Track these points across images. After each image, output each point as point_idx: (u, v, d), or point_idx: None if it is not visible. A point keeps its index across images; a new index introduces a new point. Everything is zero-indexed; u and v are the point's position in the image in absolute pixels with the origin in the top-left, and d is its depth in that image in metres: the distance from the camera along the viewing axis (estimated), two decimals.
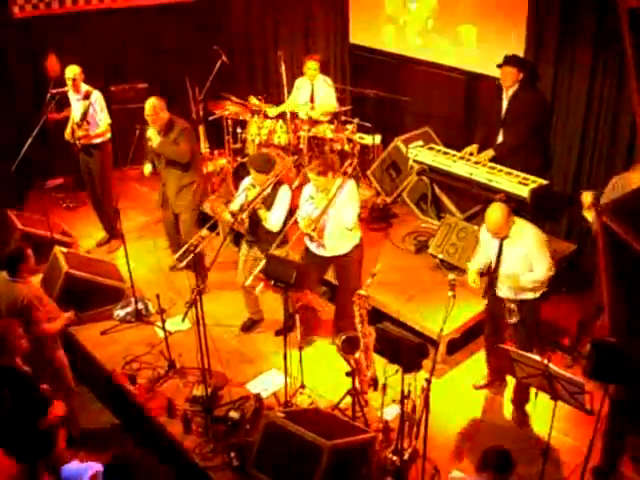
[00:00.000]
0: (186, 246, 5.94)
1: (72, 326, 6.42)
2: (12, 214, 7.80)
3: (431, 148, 7.39)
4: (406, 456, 5.17)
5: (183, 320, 5.68)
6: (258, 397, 5.81)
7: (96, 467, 4.14)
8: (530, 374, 4.73)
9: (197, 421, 5.66)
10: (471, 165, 6.90)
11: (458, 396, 6.04)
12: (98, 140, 7.73)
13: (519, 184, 6.51)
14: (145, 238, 8.24)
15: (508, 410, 5.87)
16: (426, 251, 7.17)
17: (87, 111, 7.55)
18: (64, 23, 9.20)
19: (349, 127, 8.34)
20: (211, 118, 8.85)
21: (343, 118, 8.54)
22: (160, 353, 6.41)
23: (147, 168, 7.14)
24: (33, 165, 7.80)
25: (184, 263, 5.89)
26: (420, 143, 7.49)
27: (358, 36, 9.00)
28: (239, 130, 8.85)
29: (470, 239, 6.80)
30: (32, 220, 7.86)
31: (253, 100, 8.61)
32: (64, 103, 7.87)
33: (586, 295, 6.40)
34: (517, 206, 6.50)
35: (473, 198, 7.17)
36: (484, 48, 7.74)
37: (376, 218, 7.98)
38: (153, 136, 6.85)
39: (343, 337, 5.56)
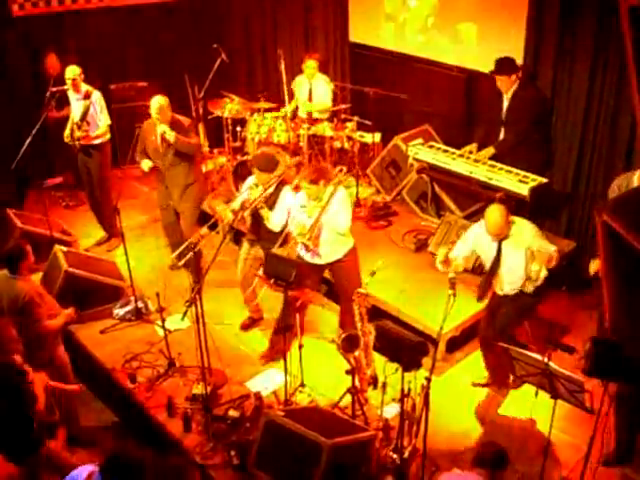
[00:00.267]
0: (185, 244, 5.94)
1: (72, 324, 6.43)
2: (11, 213, 7.79)
3: (431, 146, 7.39)
4: (406, 454, 5.17)
5: (183, 318, 5.67)
6: (258, 395, 5.81)
7: (90, 467, 4.14)
8: (530, 372, 4.72)
9: (197, 420, 5.65)
10: (471, 163, 6.90)
11: (458, 394, 6.04)
12: (97, 141, 7.72)
13: (519, 182, 6.51)
14: (145, 237, 8.24)
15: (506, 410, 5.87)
16: (426, 249, 7.17)
17: (87, 111, 7.53)
18: (64, 21, 9.21)
19: (349, 125, 8.33)
20: (211, 117, 8.85)
21: (343, 116, 8.54)
22: (160, 352, 6.40)
23: (146, 164, 7.08)
24: (32, 164, 7.79)
25: (182, 262, 5.91)
26: (420, 141, 7.49)
27: (358, 34, 9.00)
28: (239, 128, 8.85)
29: None
30: (32, 219, 7.85)
31: (261, 104, 8.60)
32: (64, 102, 7.85)
33: (585, 295, 6.42)
34: (516, 204, 6.55)
35: (473, 196, 7.17)
36: (484, 46, 7.73)
37: (376, 216, 7.98)
38: (167, 130, 6.80)
39: (343, 335, 5.56)
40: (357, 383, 5.56)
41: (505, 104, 6.97)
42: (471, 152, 7.08)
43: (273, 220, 6.09)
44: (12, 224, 7.60)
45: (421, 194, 7.92)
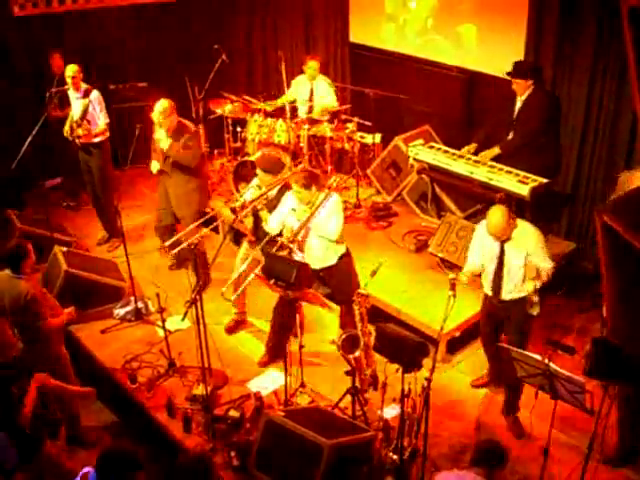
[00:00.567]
0: (178, 235, 5.99)
1: (72, 323, 6.44)
2: (12, 213, 7.79)
3: (431, 147, 7.39)
4: (406, 455, 5.17)
5: (183, 319, 5.67)
6: (258, 396, 5.81)
7: (85, 469, 4.15)
8: (530, 373, 4.72)
9: (197, 420, 5.65)
10: (471, 164, 6.90)
11: (458, 395, 6.04)
12: (97, 139, 7.72)
13: (519, 183, 6.51)
14: (145, 237, 8.24)
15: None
16: (426, 250, 7.17)
17: (86, 109, 7.54)
18: (64, 21, 9.21)
19: (349, 126, 8.33)
20: (212, 117, 8.85)
21: (343, 117, 8.54)
22: (160, 352, 6.41)
23: (155, 165, 7.07)
24: (33, 164, 7.79)
25: (175, 250, 5.96)
26: (420, 142, 7.49)
27: (358, 35, 9.00)
28: (239, 129, 8.84)
29: (470, 238, 6.77)
30: (32, 219, 7.85)
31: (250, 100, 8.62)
32: (65, 102, 7.85)
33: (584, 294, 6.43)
34: (517, 205, 6.55)
35: (473, 197, 7.17)
36: (484, 47, 7.74)
37: (376, 217, 7.98)
38: (162, 138, 6.79)
39: (343, 336, 5.56)
40: (357, 384, 5.56)
41: (518, 106, 6.97)
42: (469, 152, 7.08)
43: (271, 223, 6.09)
44: (13, 224, 7.60)
45: (421, 195, 7.92)
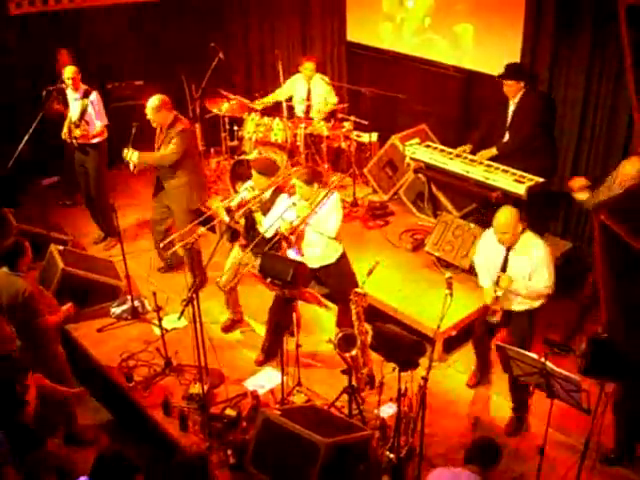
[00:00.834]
0: (173, 236, 6.03)
1: (69, 322, 6.45)
2: (8, 212, 7.77)
3: (428, 146, 7.39)
4: (403, 454, 5.17)
5: (179, 318, 5.67)
6: (255, 395, 5.81)
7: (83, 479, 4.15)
8: (527, 372, 4.73)
9: (194, 419, 5.65)
10: (468, 163, 6.90)
11: (455, 394, 6.04)
12: (95, 140, 7.71)
13: (515, 182, 6.51)
14: (142, 236, 8.23)
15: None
16: (423, 249, 7.18)
17: (85, 110, 7.53)
18: (61, 20, 9.19)
19: (346, 125, 8.33)
20: (208, 115, 8.85)
21: (340, 116, 8.54)
22: (156, 351, 6.40)
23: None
24: (29, 163, 7.77)
25: (168, 252, 6.08)
26: (417, 141, 7.49)
27: (355, 34, 9.00)
28: (236, 128, 8.84)
29: (466, 237, 6.81)
30: (28, 218, 7.83)
31: (259, 104, 8.64)
32: (63, 103, 7.84)
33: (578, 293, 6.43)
34: (514, 204, 6.55)
35: (470, 196, 7.18)
36: (481, 47, 7.75)
37: (373, 216, 7.99)
38: (127, 153, 6.80)
39: (340, 335, 5.56)
40: (354, 382, 5.56)
41: (511, 109, 6.97)
42: (465, 151, 7.09)
43: (265, 225, 6.09)
44: (9, 223, 7.58)
45: (418, 194, 7.93)
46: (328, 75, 8.87)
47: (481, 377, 6.11)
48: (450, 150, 7.18)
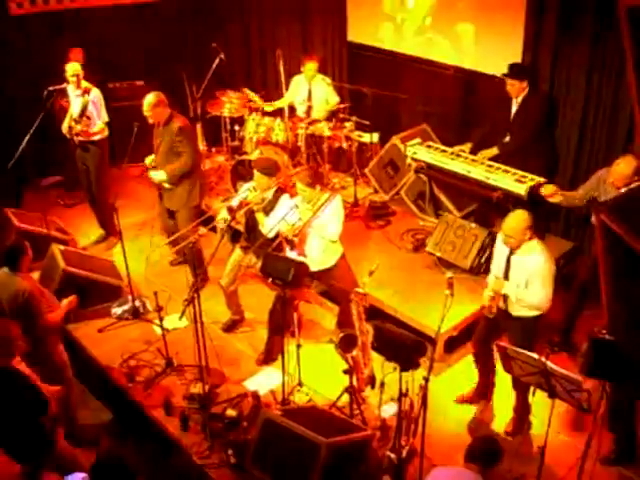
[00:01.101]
0: (177, 235, 6.08)
1: (72, 317, 6.50)
2: (9, 212, 7.78)
3: (429, 146, 7.38)
4: (404, 454, 5.17)
5: (181, 318, 5.67)
6: (255, 395, 5.81)
7: (82, 475, 4.15)
8: (528, 372, 4.73)
9: (195, 419, 5.65)
10: (469, 163, 6.90)
11: (456, 394, 6.04)
12: (96, 137, 7.72)
13: (516, 182, 6.51)
14: (143, 235, 8.22)
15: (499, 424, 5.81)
16: (424, 249, 7.17)
17: (86, 107, 7.54)
18: (62, 20, 9.20)
19: (347, 125, 8.33)
20: (209, 116, 8.85)
21: (341, 116, 8.54)
22: (157, 351, 6.40)
23: (149, 159, 7.14)
24: (30, 162, 7.78)
25: (176, 249, 6.09)
26: (418, 141, 7.48)
27: (356, 34, 9.00)
28: (237, 128, 8.84)
29: (468, 237, 6.81)
30: (29, 218, 7.84)
31: (249, 94, 8.64)
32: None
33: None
34: (514, 204, 6.56)
35: (471, 196, 7.17)
36: (482, 47, 7.75)
37: (374, 216, 7.98)
38: (154, 175, 6.96)
39: (341, 335, 5.56)
40: (355, 383, 5.56)
41: (514, 109, 6.98)
42: (463, 151, 7.09)
43: (267, 226, 6.09)
44: (10, 223, 7.59)
45: (419, 194, 7.92)
46: (329, 75, 8.88)
47: (479, 392, 5.97)
48: (451, 150, 7.18)
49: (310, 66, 8.39)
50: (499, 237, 5.45)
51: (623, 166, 5.62)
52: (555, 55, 6.96)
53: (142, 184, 9.21)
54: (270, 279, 5.56)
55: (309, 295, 6.83)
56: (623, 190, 5.63)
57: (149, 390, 6.03)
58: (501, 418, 5.76)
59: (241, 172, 8.08)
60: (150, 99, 6.80)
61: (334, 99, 8.53)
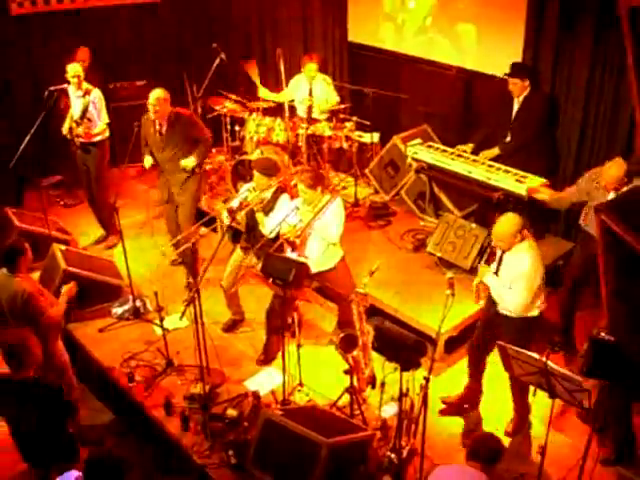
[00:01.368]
0: (182, 235, 6.03)
1: (72, 322, 6.55)
2: (10, 212, 7.78)
3: (429, 146, 7.38)
4: (404, 454, 5.18)
5: (181, 318, 5.67)
6: (256, 395, 5.81)
7: (76, 473, 4.16)
8: (528, 372, 4.73)
9: (195, 419, 5.65)
10: (470, 163, 6.90)
11: (456, 394, 6.04)
12: (97, 138, 7.72)
13: (517, 182, 6.51)
14: (143, 235, 8.23)
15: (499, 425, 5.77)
16: (424, 249, 7.17)
17: (87, 108, 7.54)
18: (63, 20, 9.20)
19: (347, 125, 8.33)
20: (209, 116, 8.85)
21: (342, 116, 8.54)
22: (158, 351, 6.40)
23: (148, 161, 7.16)
24: (31, 162, 7.78)
25: (179, 250, 6.11)
26: (418, 141, 7.49)
27: (356, 34, 9.01)
28: (237, 128, 8.84)
29: (468, 237, 6.80)
30: (30, 218, 7.84)
31: (264, 92, 8.70)
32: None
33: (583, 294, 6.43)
34: (515, 204, 6.56)
35: (471, 196, 7.17)
36: (483, 47, 7.75)
37: (374, 216, 7.99)
38: (186, 163, 6.97)
39: (341, 335, 5.56)
40: (355, 383, 5.56)
41: (515, 108, 7.00)
42: (465, 152, 7.09)
43: (267, 226, 6.09)
44: (10, 223, 7.59)
45: (419, 194, 7.92)
46: (330, 75, 8.88)
47: (466, 398, 5.91)
48: (452, 150, 7.18)
49: (310, 66, 8.39)
50: None
51: (615, 169, 5.61)
52: (556, 54, 6.97)
53: (142, 184, 9.23)
54: (271, 279, 5.56)
55: (310, 295, 6.82)
56: (612, 194, 5.65)
57: (149, 390, 6.03)
58: (500, 419, 5.75)
59: (241, 172, 8.08)
60: (160, 93, 6.81)
61: (334, 98, 8.53)
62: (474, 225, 6.91)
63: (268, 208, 6.17)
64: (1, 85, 8.89)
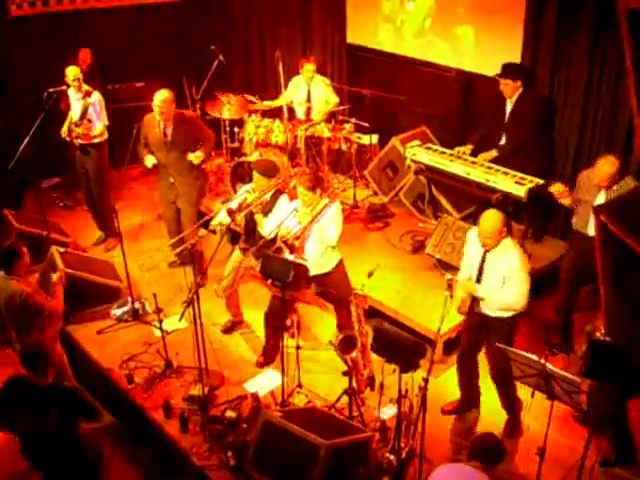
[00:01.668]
0: (181, 235, 6.14)
1: (70, 323, 6.57)
2: (9, 213, 7.78)
3: (428, 148, 7.39)
4: (403, 455, 5.18)
5: (180, 319, 5.67)
6: (255, 396, 5.81)
7: None
8: (526, 374, 4.73)
9: (194, 420, 5.65)
10: (468, 165, 6.90)
11: (455, 395, 6.03)
12: (96, 140, 7.71)
13: (516, 184, 6.51)
14: (142, 237, 8.23)
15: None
16: (423, 251, 7.18)
17: (86, 110, 7.54)
18: (62, 22, 9.20)
19: (346, 127, 8.34)
20: (209, 117, 8.85)
21: (340, 118, 8.55)
22: (157, 352, 6.40)
23: (150, 160, 7.13)
24: (30, 164, 7.78)
25: (177, 251, 6.12)
26: (417, 143, 7.49)
27: (355, 36, 9.00)
28: (236, 129, 8.85)
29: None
30: (28, 219, 7.84)
31: (265, 105, 8.70)
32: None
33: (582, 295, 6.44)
34: (514, 206, 6.58)
35: (470, 198, 7.18)
36: (481, 48, 7.75)
37: (373, 218, 7.99)
38: (193, 157, 7.00)
39: (340, 336, 5.56)
40: (354, 384, 5.56)
41: (508, 109, 7.00)
42: (464, 153, 7.09)
43: (266, 227, 6.09)
44: (9, 225, 7.59)
45: (418, 195, 7.93)
46: (329, 77, 8.88)
47: (462, 404, 5.90)
48: (451, 152, 7.18)
49: (308, 67, 8.40)
50: (470, 237, 5.44)
51: (608, 167, 5.63)
52: (554, 56, 6.97)
53: (142, 186, 9.23)
54: (270, 280, 5.56)
55: (309, 296, 6.82)
56: (602, 192, 5.71)
57: (149, 392, 6.03)
58: (501, 421, 5.75)
59: (240, 174, 8.09)
60: (166, 94, 6.80)
61: (334, 99, 8.54)
62: (474, 227, 6.90)
63: (267, 209, 6.17)
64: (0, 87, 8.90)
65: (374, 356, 5.59)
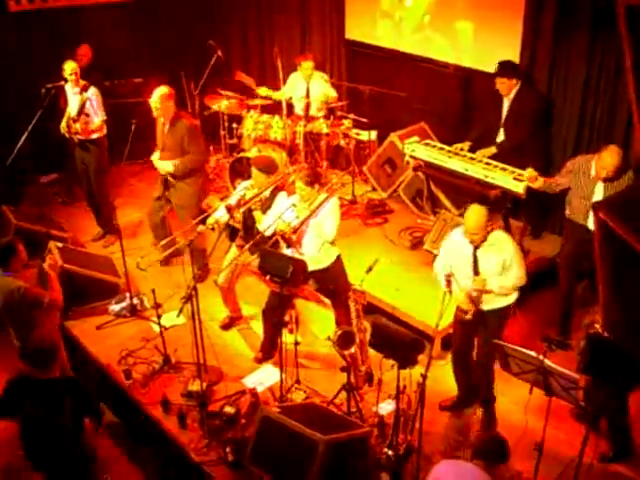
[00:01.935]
0: (174, 235, 6.10)
1: (69, 319, 6.58)
2: (7, 209, 7.78)
3: (427, 144, 7.38)
4: (401, 451, 5.18)
5: (178, 315, 5.67)
6: (253, 392, 5.81)
7: None
8: (525, 370, 4.73)
9: (192, 416, 5.65)
10: (467, 161, 6.90)
11: (453, 391, 6.04)
12: (95, 135, 7.71)
13: (514, 180, 6.51)
14: (141, 233, 8.23)
15: None
16: (421, 247, 7.18)
17: (84, 105, 7.53)
18: (60, 17, 9.19)
19: (345, 123, 8.34)
20: (207, 112, 8.85)
21: (339, 114, 8.54)
22: (155, 348, 6.40)
23: (156, 156, 7.16)
24: (28, 160, 7.78)
25: (165, 251, 6.15)
26: (416, 139, 7.49)
27: (354, 31, 8.99)
28: (235, 125, 8.84)
29: None
30: (27, 215, 7.84)
31: (263, 91, 8.68)
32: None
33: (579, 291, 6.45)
34: (512, 202, 6.58)
35: (468, 194, 7.17)
36: (480, 44, 7.74)
37: (372, 214, 8.00)
38: (165, 166, 6.97)
39: (338, 332, 5.57)
40: (352, 380, 5.57)
41: (505, 106, 7.00)
42: (462, 149, 7.09)
43: (264, 224, 6.09)
44: (7, 220, 7.59)
45: (417, 192, 7.93)
46: (327, 73, 8.87)
47: (460, 400, 5.92)
48: (449, 148, 7.18)
49: (307, 65, 8.38)
50: (454, 238, 5.40)
51: (612, 158, 5.64)
52: (553, 53, 6.97)
53: (140, 182, 9.22)
54: (268, 276, 5.56)
55: (307, 292, 6.82)
56: (600, 184, 5.75)
57: (147, 387, 6.03)
58: (499, 416, 5.76)
59: (239, 170, 8.08)
60: (163, 91, 6.79)
61: (333, 94, 8.53)
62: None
63: (266, 206, 6.16)
64: None
65: (372, 352, 5.60)
